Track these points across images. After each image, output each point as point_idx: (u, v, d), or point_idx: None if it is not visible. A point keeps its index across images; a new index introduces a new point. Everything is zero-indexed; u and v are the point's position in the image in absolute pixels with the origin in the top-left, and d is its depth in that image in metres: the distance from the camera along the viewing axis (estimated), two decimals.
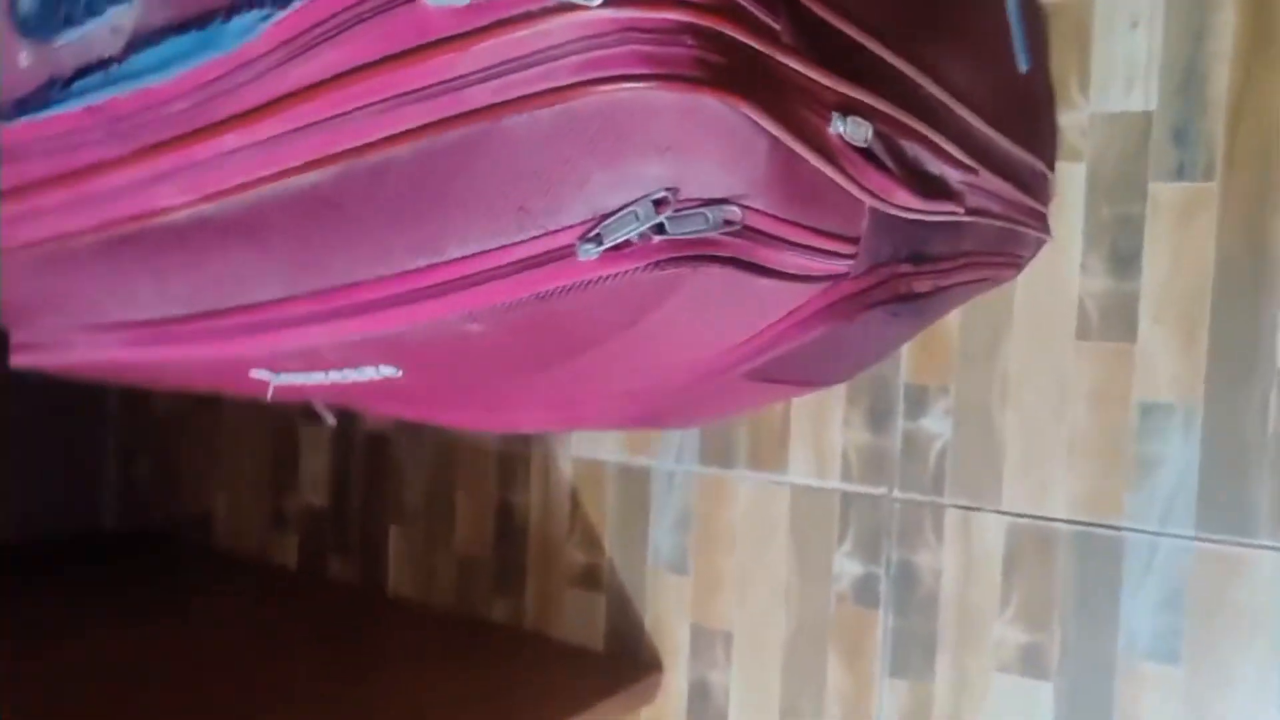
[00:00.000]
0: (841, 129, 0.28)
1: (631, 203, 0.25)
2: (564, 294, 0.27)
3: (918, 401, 0.65)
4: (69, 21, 0.28)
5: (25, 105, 0.30)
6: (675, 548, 0.73)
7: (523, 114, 0.24)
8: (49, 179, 0.31)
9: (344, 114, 0.26)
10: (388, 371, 0.31)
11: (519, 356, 0.30)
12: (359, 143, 0.26)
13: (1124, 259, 0.59)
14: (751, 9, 0.24)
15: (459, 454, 0.82)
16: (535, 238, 0.26)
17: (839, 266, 0.33)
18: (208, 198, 0.29)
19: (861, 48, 0.30)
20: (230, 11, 0.25)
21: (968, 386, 0.64)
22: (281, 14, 0.25)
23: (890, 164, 0.32)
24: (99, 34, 0.28)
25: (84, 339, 0.35)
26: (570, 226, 0.26)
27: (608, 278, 0.26)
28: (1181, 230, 0.58)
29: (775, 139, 0.25)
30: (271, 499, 0.93)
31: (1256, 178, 0.56)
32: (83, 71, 0.28)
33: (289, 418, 0.91)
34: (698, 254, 0.26)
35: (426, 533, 0.84)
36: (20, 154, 0.31)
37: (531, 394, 0.36)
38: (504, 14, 0.23)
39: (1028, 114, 0.53)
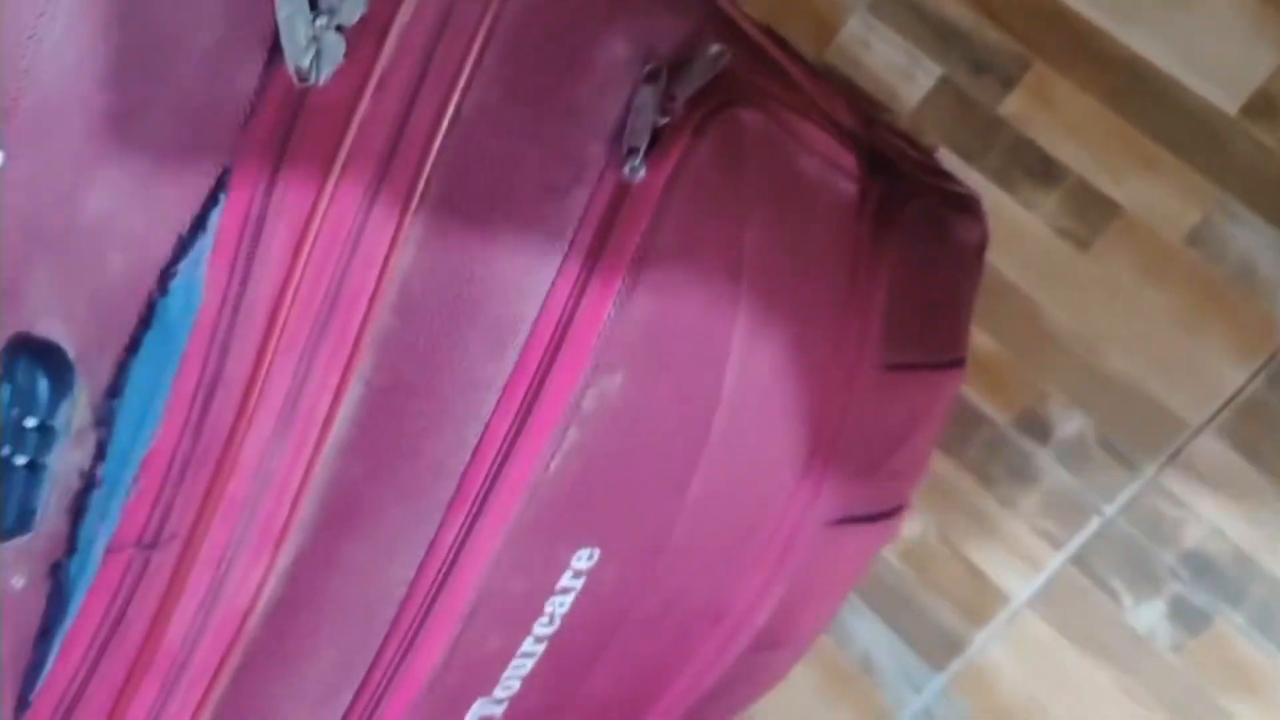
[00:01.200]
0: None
1: (630, 98, 0.22)
2: (654, 241, 0.22)
3: (1035, 425, 0.59)
4: (21, 512, 0.24)
5: (42, 637, 0.25)
6: None
7: (473, 88, 0.21)
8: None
9: (330, 291, 0.22)
10: (586, 561, 0.25)
11: (685, 396, 0.25)
12: (365, 299, 0.22)
13: (1043, 170, 0.59)
14: None
15: None
16: (586, 206, 0.22)
17: (848, 158, 0.30)
18: (279, 540, 0.24)
19: None
20: (164, 279, 0.22)
21: (1058, 373, 0.59)
22: (212, 226, 0.21)
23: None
24: (63, 472, 0.24)
25: None
26: (604, 167, 0.22)
27: (674, 176, 0.22)
28: (1055, 113, 0.59)
29: None
30: None
31: (1054, 30, 0.58)
32: (73, 540, 0.24)
33: None
34: (725, 100, 0.23)
35: None
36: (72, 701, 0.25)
37: (741, 497, 0.30)
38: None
39: None
